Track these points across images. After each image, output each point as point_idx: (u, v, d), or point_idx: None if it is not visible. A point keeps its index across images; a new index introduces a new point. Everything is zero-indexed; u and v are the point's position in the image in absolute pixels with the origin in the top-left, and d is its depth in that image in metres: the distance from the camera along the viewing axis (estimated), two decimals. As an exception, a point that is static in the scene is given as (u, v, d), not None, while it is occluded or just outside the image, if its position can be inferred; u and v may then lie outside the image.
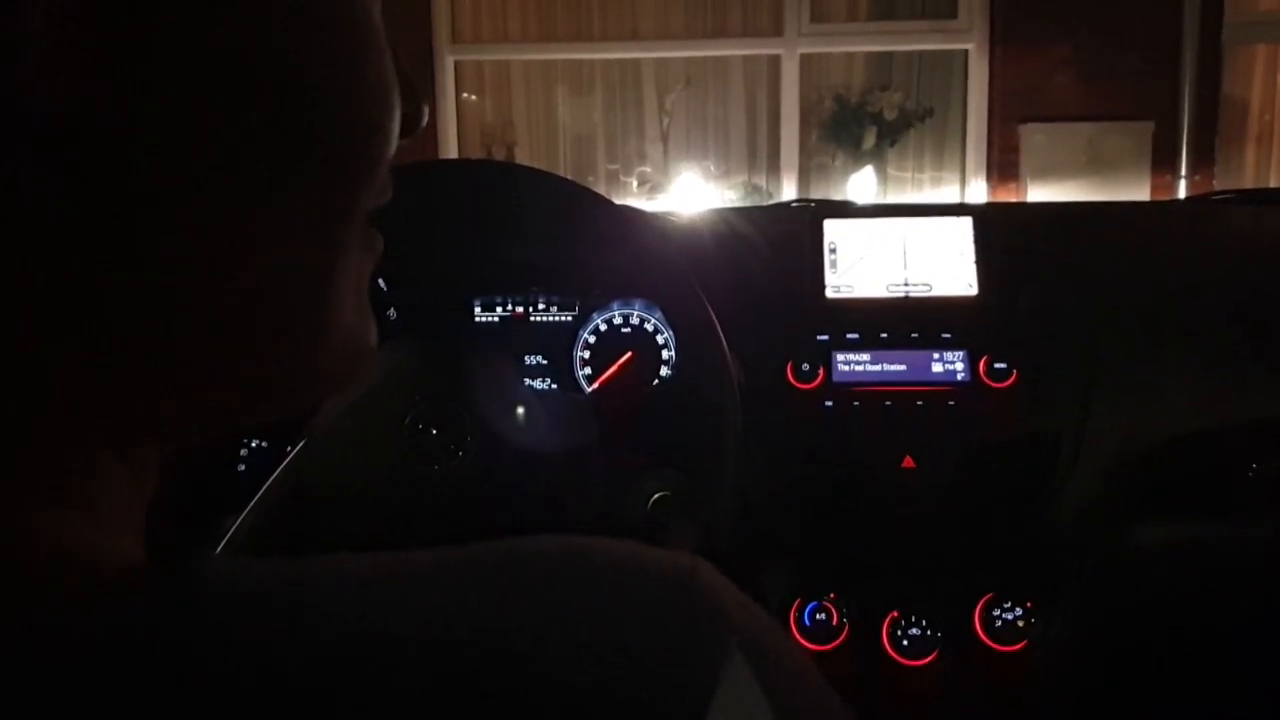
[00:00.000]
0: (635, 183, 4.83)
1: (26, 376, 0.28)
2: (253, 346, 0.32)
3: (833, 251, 1.25)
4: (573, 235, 1.13)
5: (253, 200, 0.30)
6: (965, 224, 1.24)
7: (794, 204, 1.55)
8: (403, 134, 0.36)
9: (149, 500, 0.33)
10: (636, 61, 4.86)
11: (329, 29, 0.31)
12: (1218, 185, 4.41)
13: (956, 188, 4.79)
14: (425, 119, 0.38)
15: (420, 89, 0.37)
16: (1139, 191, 4.33)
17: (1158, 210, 1.53)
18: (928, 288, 1.23)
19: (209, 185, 0.29)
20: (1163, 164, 4.39)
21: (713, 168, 4.87)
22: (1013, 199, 4.45)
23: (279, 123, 0.30)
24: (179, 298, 0.30)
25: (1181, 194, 4.32)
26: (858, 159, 4.76)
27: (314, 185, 0.32)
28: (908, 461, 1.18)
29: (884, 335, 1.22)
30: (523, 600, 0.29)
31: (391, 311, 1.13)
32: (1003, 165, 4.53)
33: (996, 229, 1.24)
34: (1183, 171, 4.39)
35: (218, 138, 0.29)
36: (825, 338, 1.22)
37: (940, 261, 1.23)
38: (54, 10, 0.25)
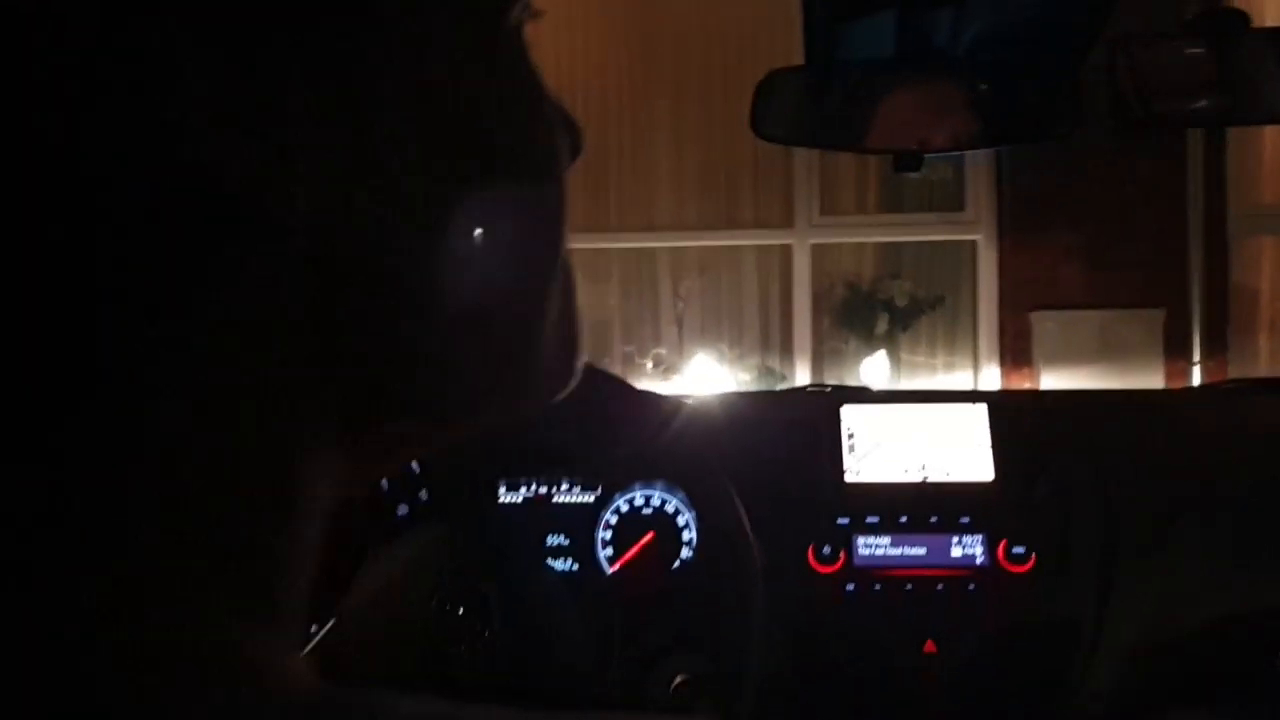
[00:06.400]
0: (650, 365, 4.90)
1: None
2: (473, 353, 0.36)
3: (851, 437, 1.28)
4: (595, 419, 1.16)
5: (459, 234, 0.34)
6: (980, 411, 1.27)
7: (809, 389, 1.58)
8: (571, 158, 0.42)
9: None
10: (652, 250, 5.00)
11: (510, 85, 0.36)
12: (1232, 372, 4.45)
13: (970, 373, 4.84)
14: (583, 144, 0.44)
15: (573, 120, 0.43)
16: (1153, 378, 4.36)
17: (1171, 398, 1.56)
18: (945, 473, 1.25)
19: (427, 218, 0.33)
20: (1175, 351, 4.44)
21: (726, 351, 4.95)
22: (1026, 385, 4.49)
23: (472, 168, 0.34)
24: (403, 315, 0.33)
25: (1196, 381, 4.36)
26: (870, 344, 4.84)
27: (511, 216, 0.36)
28: (929, 646, 1.18)
29: (903, 519, 1.23)
30: None
31: (423, 493, 1.15)
32: (1015, 352, 4.59)
33: (1011, 416, 1.28)
34: (1196, 358, 4.44)
35: (424, 192, 0.32)
36: (845, 521, 1.24)
37: (956, 447, 1.26)
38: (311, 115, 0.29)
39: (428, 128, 0.32)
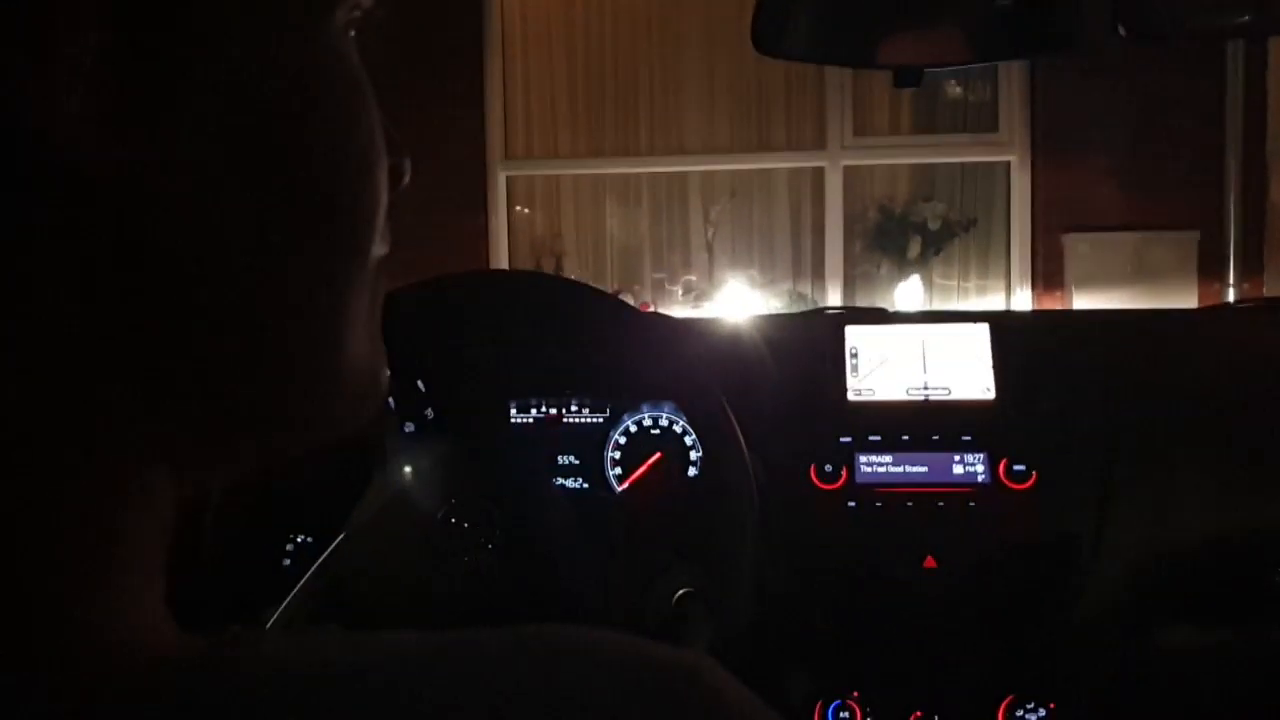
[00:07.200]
0: (681, 291, 4.92)
1: (62, 418, 0.31)
2: (274, 380, 0.36)
3: (854, 356, 1.29)
4: (605, 342, 1.18)
5: (266, 248, 0.34)
6: (982, 330, 1.28)
7: (818, 311, 1.60)
8: (390, 185, 0.39)
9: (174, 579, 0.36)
10: (683, 174, 4.99)
11: (327, 91, 0.35)
12: (1267, 294, 4.39)
13: (1002, 296, 4.82)
14: (409, 171, 0.42)
15: (402, 142, 0.41)
16: (1186, 301, 4.33)
17: (1178, 316, 1.56)
18: (946, 391, 1.27)
19: (227, 232, 0.33)
20: (1209, 273, 4.39)
21: (758, 276, 4.95)
22: (1058, 308, 4.47)
23: (284, 171, 0.34)
24: (205, 335, 0.33)
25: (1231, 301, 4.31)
26: (903, 268, 4.82)
27: (318, 233, 0.36)
28: (929, 562, 1.20)
29: (905, 437, 1.25)
30: (533, 686, 0.31)
31: (429, 411, 1.18)
32: (1047, 275, 4.55)
33: (1013, 335, 1.29)
34: (1230, 280, 4.38)
35: (233, 190, 0.32)
36: (848, 440, 1.26)
37: (958, 366, 1.27)
38: (95, 65, 0.29)
39: (231, 126, 0.32)
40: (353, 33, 0.38)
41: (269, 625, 0.94)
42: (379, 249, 0.39)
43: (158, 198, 0.31)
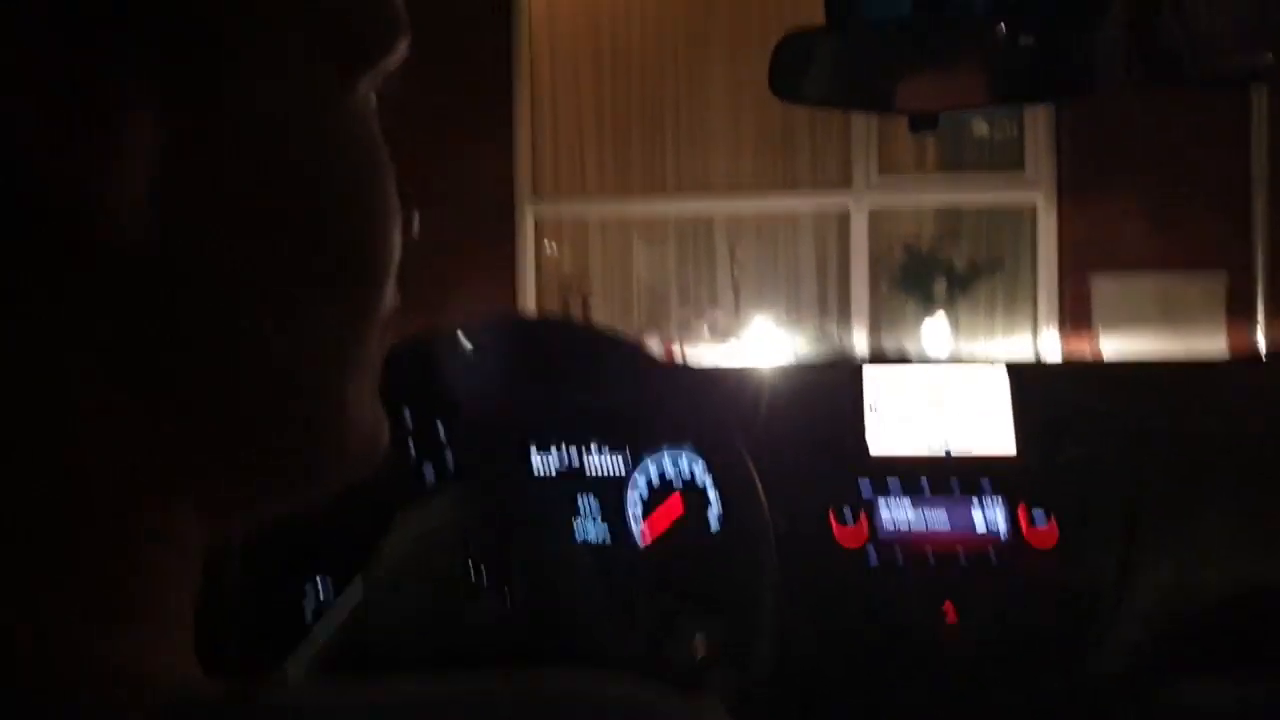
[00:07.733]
0: (707, 329, 4.92)
1: (82, 464, 0.32)
2: (283, 432, 0.37)
3: (873, 407, 1.29)
4: (626, 390, 1.19)
5: (286, 307, 0.35)
6: (1002, 379, 1.28)
7: (847, 359, 1.60)
8: (402, 233, 0.40)
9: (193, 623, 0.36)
10: (709, 213, 5.01)
11: (347, 159, 0.37)
12: (1296, 336, 4.36)
13: (1029, 337, 4.79)
14: (417, 224, 0.43)
15: (412, 196, 0.41)
16: (1215, 342, 4.30)
17: (1202, 368, 1.55)
18: (968, 442, 1.26)
19: (243, 291, 0.34)
20: (1238, 313, 4.36)
21: (783, 315, 4.95)
22: (1085, 349, 4.44)
23: (306, 239, 0.35)
24: (224, 390, 0.34)
25: (1261, 343, 4.28)
26: (928, 308, 4.80)
27: (334, 292, 0.37)
28: (950, 615, 1.20)
29: (926, 489, 1.25)
30: None
31: (449, 457, 1.19)
32: (1075, 315, 4.53)
33: (1034, 384, 1.28)
34: (1259, 321, 4.35)
35: (250, 253, 0.34)
36: (868, 490, 1.25)
37: (979, 416, 1.27)
38: (152, 152, 0.30)
39: (253, 193, 0.33)
40: (374, 97, 0.39)
41: (287, 671, 0.95)
42: (389, 304, 0.40)
43: (177, 258, 0.32)
